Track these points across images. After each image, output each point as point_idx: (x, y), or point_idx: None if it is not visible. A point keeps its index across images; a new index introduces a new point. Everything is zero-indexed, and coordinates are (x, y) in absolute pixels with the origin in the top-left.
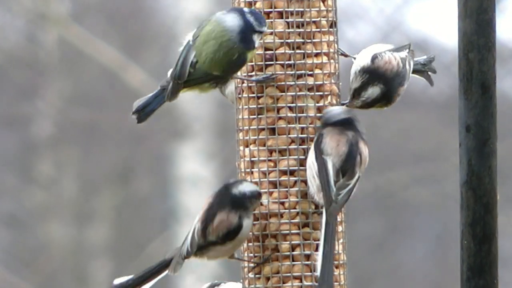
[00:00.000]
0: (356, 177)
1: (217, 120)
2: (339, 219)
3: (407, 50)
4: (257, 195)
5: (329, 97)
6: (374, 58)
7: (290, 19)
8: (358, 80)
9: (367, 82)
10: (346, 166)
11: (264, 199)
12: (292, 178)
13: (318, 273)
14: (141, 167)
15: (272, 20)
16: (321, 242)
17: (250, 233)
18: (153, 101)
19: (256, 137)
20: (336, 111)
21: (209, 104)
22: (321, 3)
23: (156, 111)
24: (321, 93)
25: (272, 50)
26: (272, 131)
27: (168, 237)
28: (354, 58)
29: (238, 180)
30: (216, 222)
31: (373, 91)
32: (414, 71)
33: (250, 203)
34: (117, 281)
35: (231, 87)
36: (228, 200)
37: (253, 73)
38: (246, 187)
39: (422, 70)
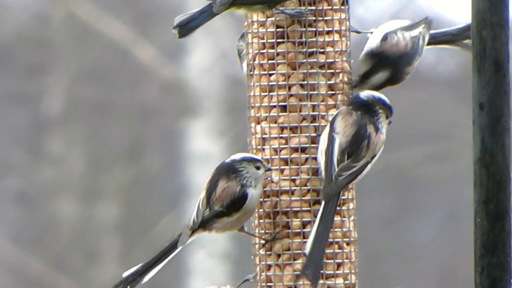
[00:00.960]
0: (363, 161)
1: (227, 97)
2: (350, 196)
3: (422, 26)
4: (248, 160)
5: (340, 75)
6: (383, 39)
7: None
8: (366, 64)
9: (374, 67)
10: (351, 148)
11: (275, 176)
12: (303, 156)
13: (307, 251)
14: (151, 144)
15: None
16: (316, 221)
17: (261, 210)
18: (198, 17)
19: (267, 114)
20: (365, 94)
21: (219, 81)
22: None
23: (200, 27)
24: (332, 70)
25: (283, 27)
26: (284, 108)
27: (178, 215)
28: (371, 33)
29: (238, 155)
30: (219, 191)
31: (380, 76)
32: (443, 42)
33: (241, 167)
34: (126, 273)
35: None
36: (225, 169)
37: (265, 50)
38: (238, 155)
39: (453, 40)
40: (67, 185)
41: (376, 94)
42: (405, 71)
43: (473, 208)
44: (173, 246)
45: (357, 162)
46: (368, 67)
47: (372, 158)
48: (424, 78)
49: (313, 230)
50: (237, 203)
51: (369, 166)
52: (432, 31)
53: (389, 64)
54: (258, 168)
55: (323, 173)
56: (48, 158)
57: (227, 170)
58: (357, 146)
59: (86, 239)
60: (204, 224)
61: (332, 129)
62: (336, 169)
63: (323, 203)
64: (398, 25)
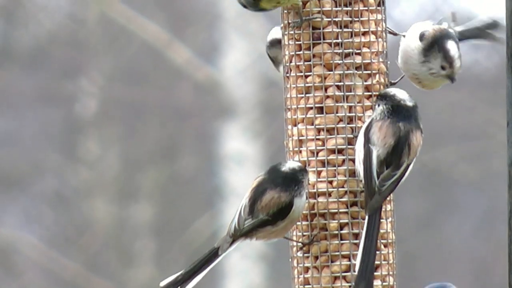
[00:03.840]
0: (404, 166)
1: (263, 99)
2: (388, 198)
3: (445, 23)
4: (304, 170)
5: (377, 76)
6: (422, 35)
7: None
8: (435, 54)
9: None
10: (391, 158)
11: (312, 178)
12: (340, 157)
13: (356, 268)
14: (186, 145)
15: None
16: (362, 237)
17: None
18: None
19: (304, 115)
20: (401, 95)
21: (254, 83)
22: None
23: None
24: (369, 71)
25: (319, 28)
26: (320, 109)
27: (213, 216)
28: (404, 36)
29: (281, 162)
30: (266, 199)
31: (454, 49)
32: (470, 37)
33: (302, 178)
34: (163, 283)
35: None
36: (280, 178)
37: (301, 52)
38: (293, 164)
39: (479, 34)
40: (102, 186)
41: (407, 95)
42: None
43: (508, 209)
44: (214, 254)
45: (398, 169)
46: (443, 53)
47: (412, 160)
48: (460, 79)
49: (360, 246)
50: (283, 211)
51: (410, 168)
52: (457, 28)
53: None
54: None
55: (363, 182)
56: (83, 159)
57: (283, 181)
58: (397, 156)
59: (121, 241)
60: (246, 233)
61: (367, 139)
62: (377, 181)
63: (367, 216)
64: (425, 25)
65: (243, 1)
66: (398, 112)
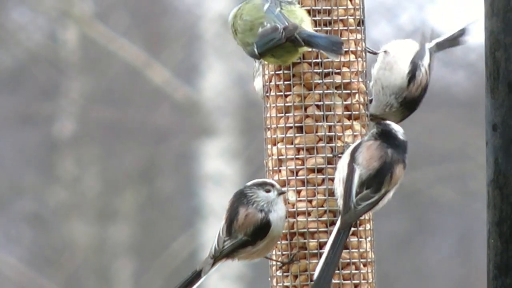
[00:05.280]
0: (383, 191)
1: (241, 119)
2: (367, 217)
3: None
4: (259, 184)
5: (356, 95)
6: (410, 80)
7: (317, 17)
8: (396, 115)
9: (403, 116)
10: (372, 181)
11: (292, 197)
12: (320, 176)
13: (315, 276)
14: (165, 165)
15: None
16: (327, 248)
17: None
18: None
19: (283, 135)
20: (396, 129)
21: (233, 103)
22: (349, 2)
23: None
24: (348, 91)
25: None
26: (300, 129)
27: (192, 236)
28: (385, 52)
29: (254, 181)
30: (241, 217)
31: (396, 124)
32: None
33: (267, 191)
34: None
35: (260, 83)
36: (239, 195)
37: (281, 71)
38: (256, 181)
39: (452, 42)
40: (81, 206)
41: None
42: (421, 101)
43: (487, 229)
44: (196, 275)
45: (376, 193)
46: (398, 119)
47: (392, 189)
48: (438, 99)
49: (323, 256)
50: (261, 231)
51: (389, 195)
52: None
53: (412, 108)
54: (268, 191)
55: (340, 201)
56: (61, 180)
57: (240, 196)
58: (379, 181)
59: (100, 261)
60: (227, 254)
61: (352, 159)
62: (355, 199)
63: (335, 231)
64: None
65: (247, 52)
66: (389, 138)
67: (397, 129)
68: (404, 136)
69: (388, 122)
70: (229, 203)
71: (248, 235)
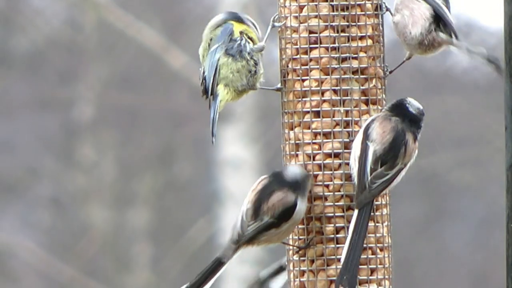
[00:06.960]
0: (397, 168)
1: (260, 104)
2: (383, 202)
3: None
4: (309, 174)
5: (373, 80)
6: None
7: (334, 2)
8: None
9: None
10: (387, 156)
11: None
12: (337, 161)
13: (342, 261)
14: (183, 150)
15: (316, 3)
16: (350, 231)
17: None
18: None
19: (300, 120)
20: (413, 101)
21: None
22: None
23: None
24: (365, 76)
25: (316, 33)
26: (317, 114)
27: (210, 221)
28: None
29: (284, 167)
30: (273, 200)
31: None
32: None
33: (306, 180)
34: None
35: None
36: (285, 182)
37: (298, 56)
38: (297, 169)
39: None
40: (99, 191)
41: (421, 106)
42: None
43: (506, 214)
44: (218, 263)
45: (391, 170)
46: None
47: (406, 165)
48: (457, 84)
49: (347, 240)
50: (287, 211)
51: (402, 173)
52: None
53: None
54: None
55: (355, 180)
56: (80, 165)
57: (289, 185)
58: (394, 154)
59: (118, 246)
60: (250, 238)
61: (366, 136)
62: (369, 177)
63: (356, 211)
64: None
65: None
66: (402, 112)
67: (414, 102)
68: (418, 111)
69: (404, 98)
70: (263, 185)
71: (274, 217)
